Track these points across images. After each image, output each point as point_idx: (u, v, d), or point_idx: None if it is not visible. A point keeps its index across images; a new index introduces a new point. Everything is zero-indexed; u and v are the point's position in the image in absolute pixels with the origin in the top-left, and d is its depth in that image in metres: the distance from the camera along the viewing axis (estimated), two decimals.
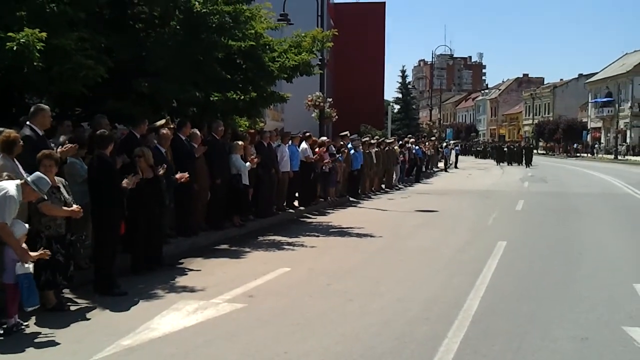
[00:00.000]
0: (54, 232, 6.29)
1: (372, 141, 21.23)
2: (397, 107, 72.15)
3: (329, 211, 15.76)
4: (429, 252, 10.17)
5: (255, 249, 10.20)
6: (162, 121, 9.92)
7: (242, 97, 11.72)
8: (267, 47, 12.83)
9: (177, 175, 9.25)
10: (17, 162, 6.31)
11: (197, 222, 10.82)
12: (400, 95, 73.89)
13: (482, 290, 7.45)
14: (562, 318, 6.38)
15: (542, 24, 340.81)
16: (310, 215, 14.86)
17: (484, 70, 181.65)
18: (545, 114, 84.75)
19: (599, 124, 71.72)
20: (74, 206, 6.41)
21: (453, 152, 42.26)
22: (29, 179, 5.76)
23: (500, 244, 10.63)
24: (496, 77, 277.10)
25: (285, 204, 14.61)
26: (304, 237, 11.50)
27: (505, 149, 47.05)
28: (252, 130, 14.17)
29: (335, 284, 7.77)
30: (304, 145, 15.38)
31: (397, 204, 17.71)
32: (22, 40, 7.64)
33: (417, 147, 28.34)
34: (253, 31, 12.30)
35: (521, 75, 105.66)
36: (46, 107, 7.38)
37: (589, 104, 74.13)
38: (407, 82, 76.49)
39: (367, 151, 19.90)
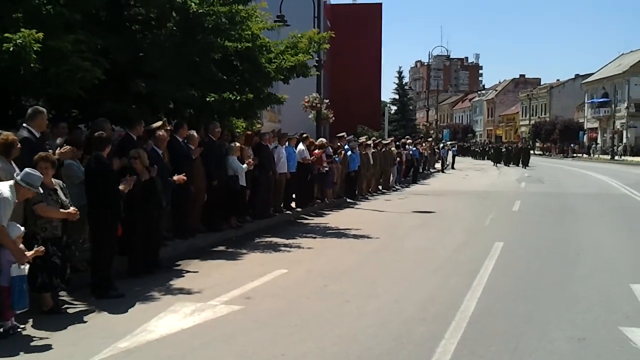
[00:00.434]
0: (50, 234, 6.28)
1: (368, 142, 21.23)
2: (393, 108, 72.12)
3: (326, 212, 15.76)
4: (425, 252, 10.18)
5: (252, 251, 10.19)
6: (159, 123, 9.91)
7: (239, 97, 11.70)
8: (264, 48, 12.83)
9: (175, 177, 9.25)
10: (14, 165, 6.30)
11: (194, 224, 10.81)
12: (397, 96, 73.91)
13: (479, 291, 7.46)
14: (559, 319, 6.39)
15: (539, 24, 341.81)
16: (307, 217, 14.86)
17: (480, 71, 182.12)
18: (541, 114, 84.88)
19: (596, 125, 71.87)
20: (70, 208, 6.40)
21: (450, 152, 42.31)
22: (17, 177, 5.74)
23: (497, 244, 10.64)
24: (493, 78, 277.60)
25: (282, 205, 14.61)
26: (301, 238, 11.50)
27: (503, 150, 47.10)
28: (250, 132, 14.17)
29: (332, 285, 7.77)
30: (301, 146, 15.39)
31: (394, 205, 17.73)
32: (18, 41, 7.62)
33: (414, 148, 28.36)
34: (249, 32, 12.31)
35: (518, 76, 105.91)
36: (43, 109, 7.37)
37: (586, 105, 74.31)
38: (403, 83, 76.54)
39: (364, 152, 19.92)
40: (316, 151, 16.00)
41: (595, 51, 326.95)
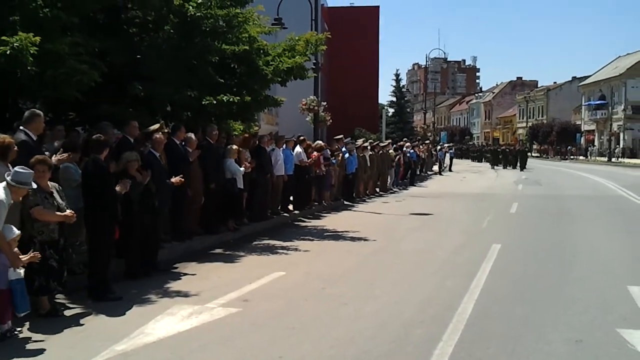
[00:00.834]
0: (47, 237, 6.27)
1: (365, 144, 21.24)
2: (391, 110, 72.25)
3: (323, 215, 15.77)
4: (423, 255, 10.19)
5: (250, 253, 10.19)
6: (157, 125, 9.91)
7: (236, 99, 11.70)
8: (261, 50, 12.84)
9: (173, 179, 9.24)
10: (11, 168, 6.28)
11: (191, 227, 10.80)
12: (394, 99, 74.03)
13: (477, 293, 7.46)
14: (556, 321, 6.40)
15: (536, 27, 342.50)
16: (304, 219, 14.86)
17: (477, 74, 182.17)
18: (539, 116, 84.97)
19: (593, 127, 71.98)
20: (67, 211, 6.39)
21: (447, 155, 42.34)
22: (8, 178, 5.72)
23: (494, 246, 10.65)
24: (490, 81, 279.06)
25: (279, 207, 14.60)
26: (298, 241, 11.49)
27: (501, 153, 47.14)
28: (247, 134, 14.18)
29: (329, 288, 7.77)
30: (298, 149, 15.40)
31: (392, 208, 17.74)
32: (15, 44, 7.62)
33: (411, 151, 28.39)
34: (247, 35, 12.32)
35: (515, 79, 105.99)
36: (40, 112, 7.36)
37: (583, 107, 74.41)
38: (401, 85, 76.62)
39: (362, 155, 19.94)
40: (314, 154, 16.01)
41: (592, 54, 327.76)
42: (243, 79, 12.56)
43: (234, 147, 11.83)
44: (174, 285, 7.81)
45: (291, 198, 15.38)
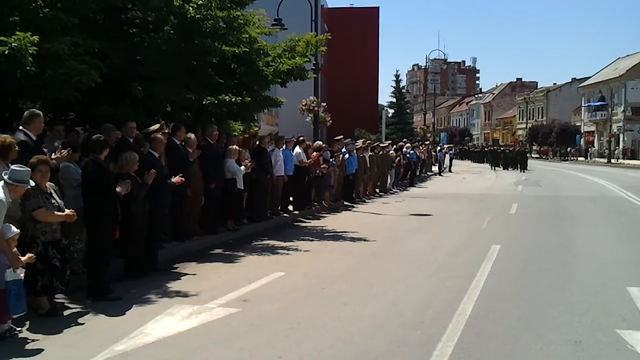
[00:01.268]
0: (50, 237, 6.28)
1: (364, 145, 21.22)
2: (391, 111, 72.15)
3: (323, 215, 15.77)
4: (423, 255, 10.18)
5: (250, 254, 10.19)
6: (157, 126, 9.91)
7: (235, 99, 11.70)
8: (261, 51, 12.85)
9: (173, 179, 9.24)
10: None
11: (191, 227, 10.81)
12: (394, 100, 73.90)
13: (476, 293, 7.46)
14: (555, 321, 6.40)
15: (536, 28, 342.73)
16: (304, 220, 14.86)
17: (477, 75, 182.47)
18: (538, 118, 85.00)
19: (592, 128, 72.01)
20: (67, 210, 6.40)
21: (447, 156, 42.34)
22: (5, 177, 5.72)
23: (494, 247, 10.66)
24: (490, 82, 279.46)
25: (279, 208, 14.61)
26: (298, 241, 11.50)
27: (501, 154, 47.14)
28: (247, 135, 14.17)
29: (329, 288, 7.78)
30: (297, 149, 15.40)
31: (392, 208, 17.74)
32: (14, 44, 7.62)
33: (411, 151, 28.40)
34: (247, 36, 12.32)
35: (515, 80, 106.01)
36: (40, 112, 7.37)
37: (582, 108, 74.41)
38: (401, 86, 76.51)
39: (361, 155, 19.94)
40: (313, 154, 16.01)
41: (592, 55, 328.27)
42: (243, 79, 12.56)
43: (235, 147, 11.83)
44: (173, 285, 7.81)
45: (291, 198, 15.39)
